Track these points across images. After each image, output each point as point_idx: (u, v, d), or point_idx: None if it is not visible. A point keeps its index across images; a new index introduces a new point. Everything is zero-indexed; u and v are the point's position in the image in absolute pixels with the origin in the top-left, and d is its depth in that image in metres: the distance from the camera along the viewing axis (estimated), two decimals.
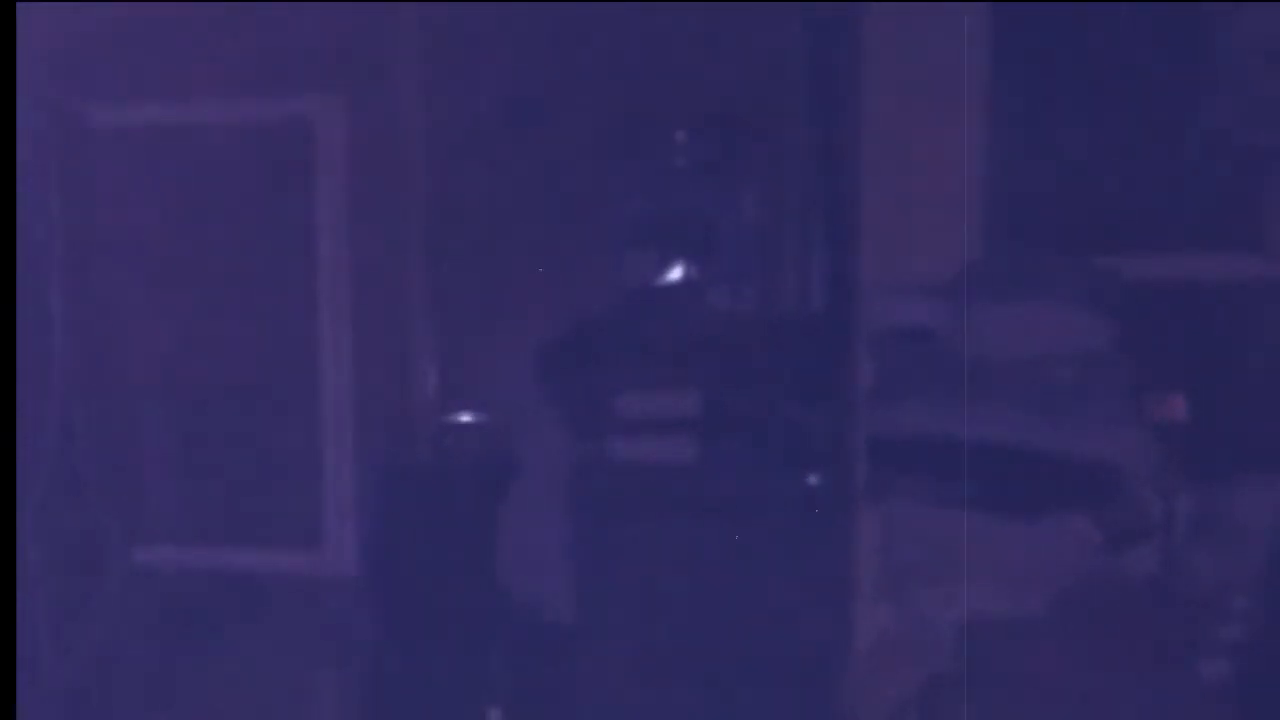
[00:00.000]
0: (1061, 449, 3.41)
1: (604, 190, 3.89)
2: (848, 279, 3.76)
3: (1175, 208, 3.79)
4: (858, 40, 3.81)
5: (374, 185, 4.27)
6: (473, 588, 3.89)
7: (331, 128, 4.29)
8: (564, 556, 3.77)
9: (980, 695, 3.35)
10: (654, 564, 3.69)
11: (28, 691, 3.87)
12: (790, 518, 3.62)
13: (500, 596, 3.87)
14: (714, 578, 3.65)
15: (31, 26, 3.89)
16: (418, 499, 4.05)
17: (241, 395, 4.38)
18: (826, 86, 3.89)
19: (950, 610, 3.42)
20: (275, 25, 4.15)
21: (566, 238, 4.06)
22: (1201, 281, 3.79)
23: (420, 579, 3.96)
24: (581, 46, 4.03)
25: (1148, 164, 3.79)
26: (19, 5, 3.67)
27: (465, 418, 4.07)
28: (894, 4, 3.79)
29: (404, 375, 4.23)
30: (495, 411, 4.04)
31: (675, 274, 3.79)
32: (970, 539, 3.38)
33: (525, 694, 3.86)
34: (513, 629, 3.88)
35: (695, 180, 3.80)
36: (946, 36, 3.78)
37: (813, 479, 3.63)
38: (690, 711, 3.63)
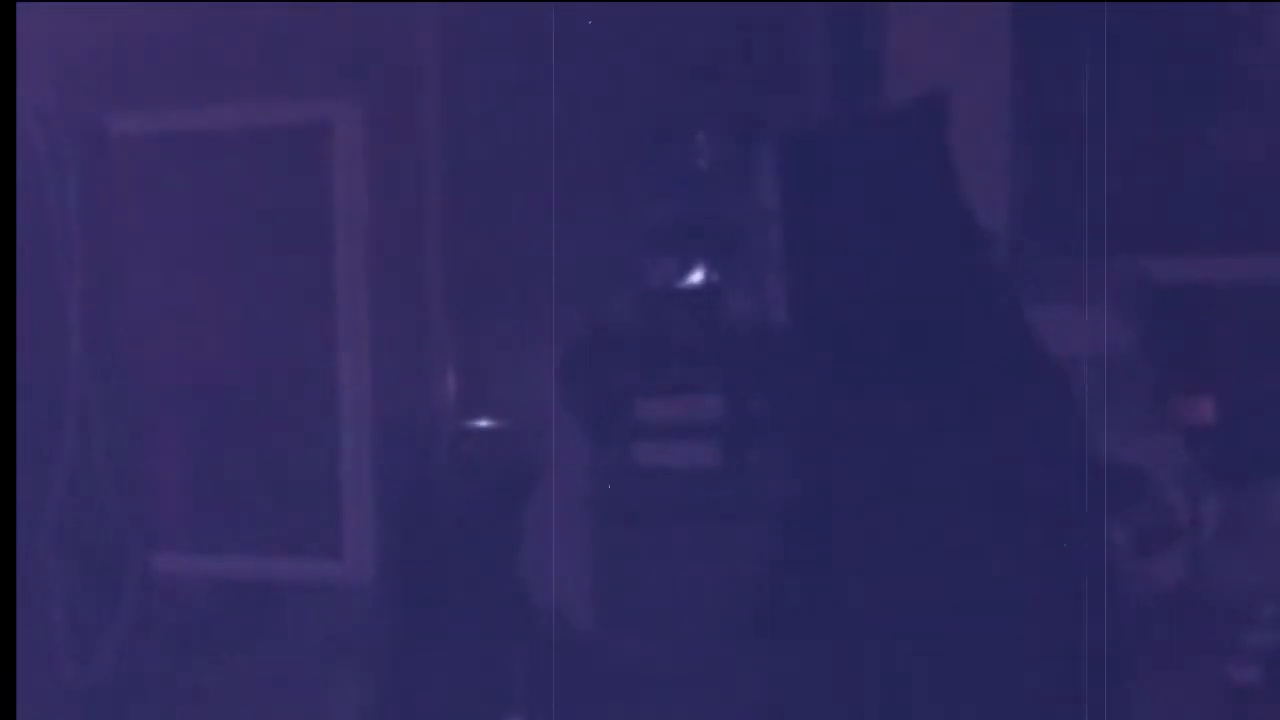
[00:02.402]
0: (1088, 452, 3.38)
1: (625, 193, 3.88)
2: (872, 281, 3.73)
3: (1203, 210, 3.77)
4: (881, 41, 3.80)
5: (393, 190, 4.26)
6: (493, 594, 3.87)
7: (350, 132, 4.28)
8: (585, 562, 3.75)
9: (1002, 698, 3.32)
10: (676, 570, 3.67)
11: (45, 702, 3.86)
12: (813, 522, 3.59)
13: (521, 603, 3.86)
14: (737, 583, 3.62)
15: (47, 33, 3.89)
16: (437, 505, 4.03)
17: (260, 402, 4.37)
18: (849, 87, 3.88)
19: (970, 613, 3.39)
20: (293, 30, 4.15)
21: (587, 241, 4.05)
22: (1229, 283, 3.77)
23: (440, 586, 3.94)
24: (601, 48, 4.02)
25: (1175, 166, 3.78)
26: (19, 5, 3.67)
27: (485, 423, 4.05)
28: (917, 4, 3.78)
29: (423, 381, 4.22)
30: (515, 416, 4.02)
31: (696, 277, 3.78)
32: (996, 541, 3.35)
33: (546, 701, 3.84)
34: (534, 635, 3.86)
35: (717, 183, 3.79)
36: (971, 38, 3.77)
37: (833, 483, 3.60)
38: (713, 718, 3.61)
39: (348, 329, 4.30)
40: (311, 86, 4.26)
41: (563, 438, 3.86)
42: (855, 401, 3.14)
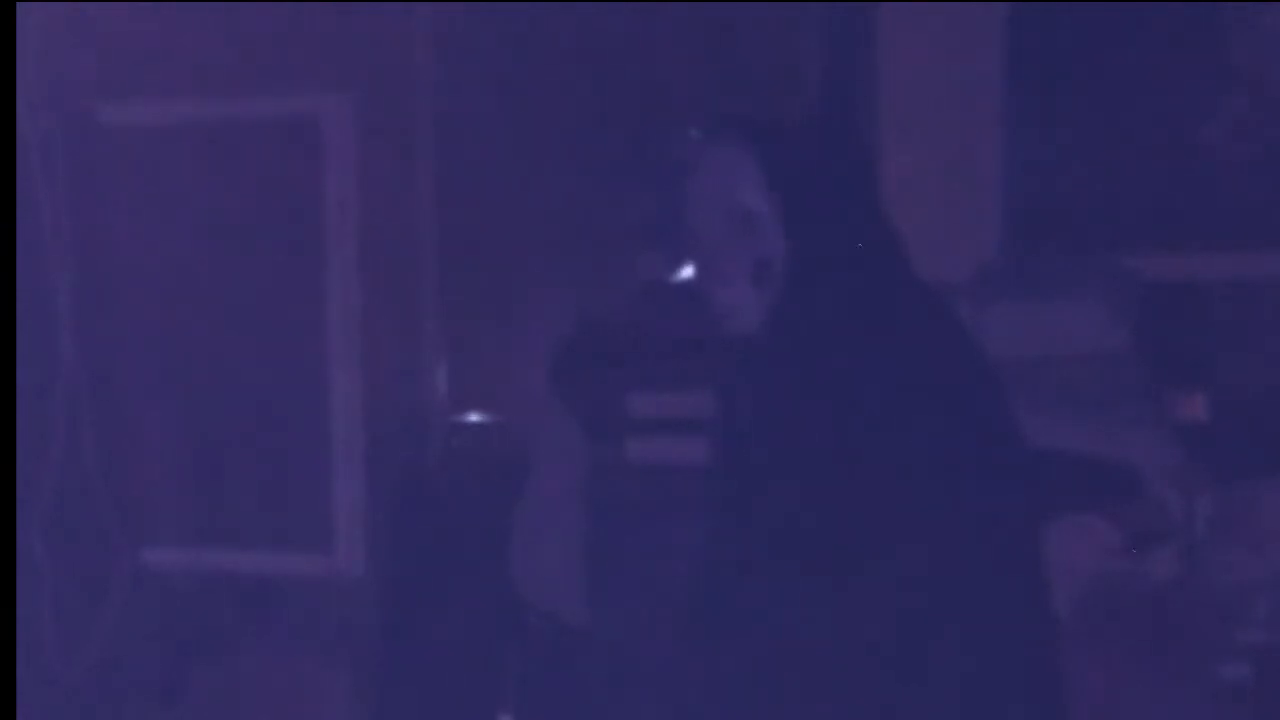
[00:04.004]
0: (1081, 449, 3.37)
1: (616, 188, 3.87)
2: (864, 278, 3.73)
3: (1195, 207, 3.77)
4: (876, 40, 3.80)
5: (382, 184, 4.25)
6: (484, 590, 3.86)
7: (339, 127, 4.27)
8: (576, 558, 3.74)
9: (997, 697, 3.32)
10: (667, 567, 3.65)
11: (34, 695, 3.85)
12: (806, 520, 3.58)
13: (512, 599, 3.84)
14: (729, 581, 3.61)
15: (38, 24, 3.88)
16: (428, 500, 4.03)
17: (250, 396, 4.36)
18: (845, 85, 3.87)
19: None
20: (283, 24, 4.14)
21: (578, 236, 4.05)
22: (1222, 280, 3.77)
23: (431, 581, 3.94)
24: (593, 44, 4.01)
25: (1167, 163, 3.78)
26: (19, 5, 3.66)
27: (475, 418, 4.05)
28: (912, 5, 3.78)
29: (413, 375, 4.22)
30: (505, 411, 4.01)
31: (687, 272, 3.76)
32: (989, 540, 3.34)
33: (537, 697, 3.83)
34: (524, 632, 3.85)
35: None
36: (964, 37, 3.77)
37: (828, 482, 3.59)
38: (705, 715, 3.59)
39: (338, 323, 4.30)
40: (300, 80, 4.25)
41: (554, 433, 3.85)
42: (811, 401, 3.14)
